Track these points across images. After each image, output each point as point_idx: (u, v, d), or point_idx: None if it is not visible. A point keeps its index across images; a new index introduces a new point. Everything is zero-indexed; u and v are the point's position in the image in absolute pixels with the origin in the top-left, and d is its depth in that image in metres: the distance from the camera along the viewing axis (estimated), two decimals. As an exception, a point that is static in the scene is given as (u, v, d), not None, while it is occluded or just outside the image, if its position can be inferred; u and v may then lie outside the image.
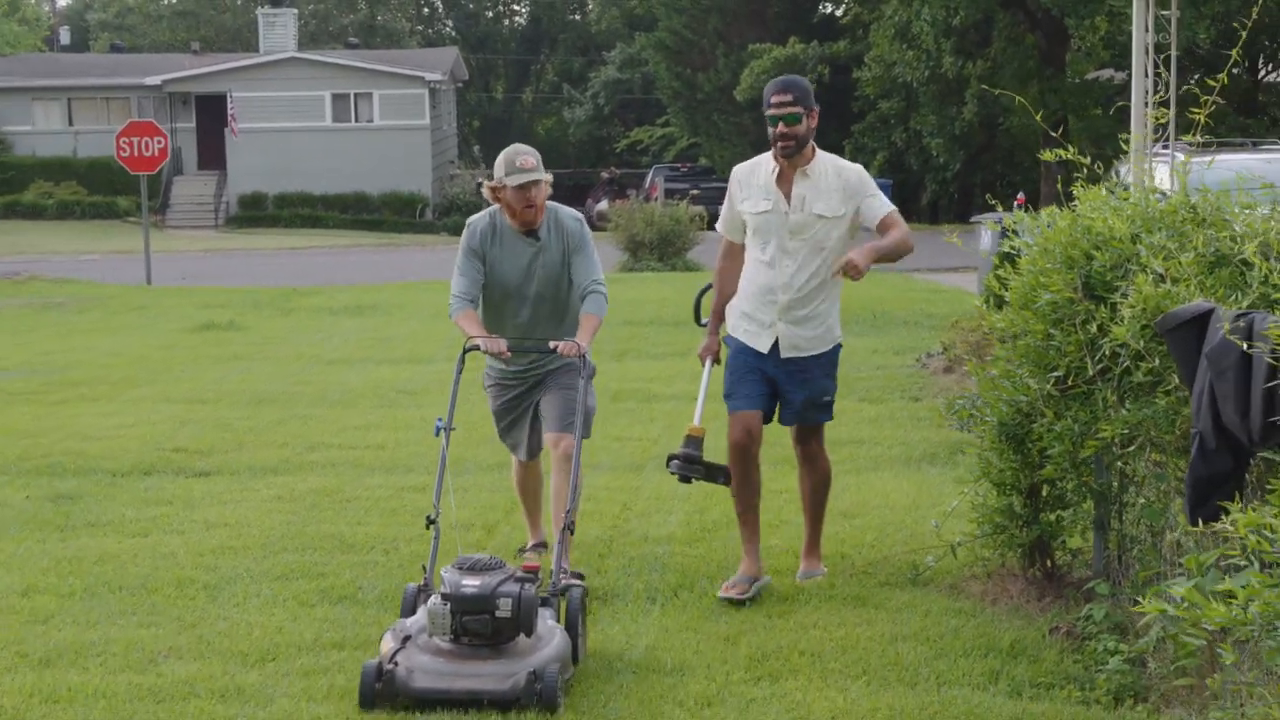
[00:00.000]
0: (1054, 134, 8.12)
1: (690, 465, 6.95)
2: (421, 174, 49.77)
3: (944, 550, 7.02)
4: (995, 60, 37.76)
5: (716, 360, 7.24)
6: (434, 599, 5.61)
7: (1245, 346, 4.52)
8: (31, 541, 8.08)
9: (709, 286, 7.45)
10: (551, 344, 6.86)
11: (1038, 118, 8.54)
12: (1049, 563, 6.89)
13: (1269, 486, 4.14)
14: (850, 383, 12.75)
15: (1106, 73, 39.35)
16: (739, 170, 7.14)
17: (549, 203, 7.12)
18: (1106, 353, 5.82)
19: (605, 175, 51.87)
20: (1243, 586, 3.86)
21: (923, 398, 12.36)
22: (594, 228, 36.98)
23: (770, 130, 6.87)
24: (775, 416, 7.10)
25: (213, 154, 50.66)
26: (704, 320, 7.44)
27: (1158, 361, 5.46)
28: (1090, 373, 5.96)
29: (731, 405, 7.00)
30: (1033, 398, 6.35)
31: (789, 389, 6.98)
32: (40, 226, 45.66)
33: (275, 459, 10.35)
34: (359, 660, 5.91)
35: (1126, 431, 5.69)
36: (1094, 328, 5.90)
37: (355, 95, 50.69)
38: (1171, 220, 5.92)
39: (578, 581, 6.44)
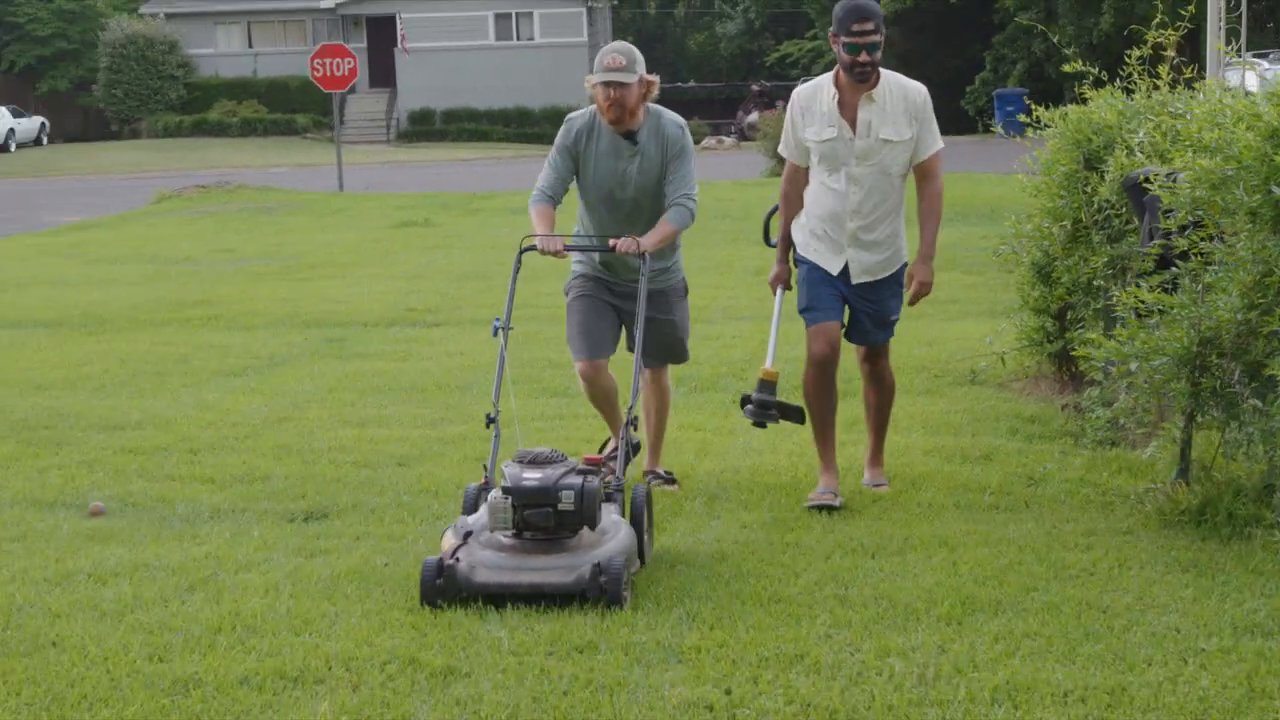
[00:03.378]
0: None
1: (765, 411, 7.01)
2: (580, 89, 52.13)
3: (995, 359, 9.50)
4: (1132, -31, 39.10)
5: (788, 286, 7.23)
6: (494, 493, 5.55)
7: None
8: (320, 364, 10.91)
9: (776, 208, 7.36)
10: (610, 242, 6.69)
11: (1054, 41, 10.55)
12: (1073, 369, 9.34)
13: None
14: (956, 260, 15.22)
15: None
16: (801, 95, 7.02)
17: (654, 106, 6.89)
18: (1097, 207, 8.26)
19: (755, 88, 53.85)
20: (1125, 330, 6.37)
21: (1015, 270, 14.73)
22: (744, 138, 39.25)
23: (846, 57, 6.76)
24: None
25: (383, 73, 53.78)
26: (773, 240, 7.36)
27: (1125, 210, 7.91)
28: (1086, 223, 8.40)
29: (811, 318, 7.00)
30: (1052, 242, 8.81)
31: (858, 309, 7.04)
32: (226, 143, 49.17)
33: (488, 315, 13.08)
34: (582, 425, 8.46)
35: (1108, 260, 8.13)
36: (1090, 189, 8.32)
37: (517, 14, 53.43)
38: (1150, 113, 8.31)
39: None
